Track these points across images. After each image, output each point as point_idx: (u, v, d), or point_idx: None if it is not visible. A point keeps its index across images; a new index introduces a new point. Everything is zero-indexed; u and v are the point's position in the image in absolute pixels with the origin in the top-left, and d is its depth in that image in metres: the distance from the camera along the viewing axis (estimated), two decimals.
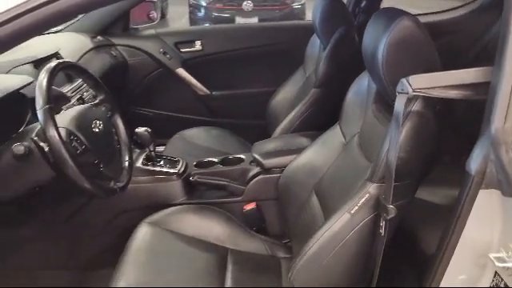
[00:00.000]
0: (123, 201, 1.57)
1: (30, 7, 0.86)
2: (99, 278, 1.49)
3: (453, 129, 1.65)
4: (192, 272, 1.30)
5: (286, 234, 1.59)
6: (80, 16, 2.34)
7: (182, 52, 2.55)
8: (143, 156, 1.69)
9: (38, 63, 1.72)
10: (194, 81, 2.57)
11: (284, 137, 1.92)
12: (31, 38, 0.95)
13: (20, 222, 1.50)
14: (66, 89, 1.66)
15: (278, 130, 1.96)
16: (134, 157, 1.62)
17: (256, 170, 1.70)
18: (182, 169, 1.68)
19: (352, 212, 1.03)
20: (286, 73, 2.31)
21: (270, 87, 2.36)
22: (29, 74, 1.49)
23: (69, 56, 1.94)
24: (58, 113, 1.29)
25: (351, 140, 1.30)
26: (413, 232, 1.41)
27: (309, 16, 3.57)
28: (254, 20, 5.80)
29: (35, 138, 1.15)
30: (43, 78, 1.15)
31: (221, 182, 1.72)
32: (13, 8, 0.87)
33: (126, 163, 1.44)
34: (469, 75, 0.87)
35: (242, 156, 1.82)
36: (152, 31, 2.58)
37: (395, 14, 1.02)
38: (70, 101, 1.58)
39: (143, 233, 1.40)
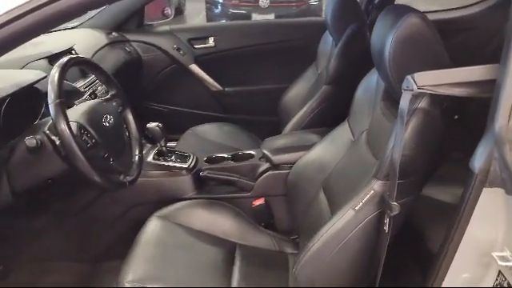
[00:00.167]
0: (134, 195, 1.60)
1: (31, 7, 0.88)
2: (109, 270, 1.52)
3: (463, 125, 1.62)
4: (200, 266, 1.31)
5: (294, 230, 1.59)
6: (95, 12, 2.38)
7: (195, 48, 2.56)
8: (154, 151, 1.70)
9: (53, 58, 1.75)
10: (206, 77, 2.58)
11: (294, 133, 1.92)
12: (34, 38, 0.96)
13: (33, 214, 1.53)
14: (79, 84, 1.70)
15: (289, 126, 1.96)
16: (145, 151, 1.64)
17: (265, 165, 1.70)
18: (192, 164, 1.69)
19: (356, 208, 1.03)
20: (298, 69, 2.30)
21: (282, 84, 2.36)
22: (43, 69, 1.52)
23: (83, 52, 1.97)
24: (70, 107, 1.31)
25: (359, 137, 1.30)
26: (420, 230, 1.40)
27: None
28: (271, 16, 5.78)
29: (47, 132, 1.17)
30: (55, 72, 1.17)
31: (230, 178, 1.73)
32: (14, 8, 0.88)
33: (136, 157, 1.45)
34: (474, 73, 0.86)
35: (252, 152, 1.82)
36: (166, 27, 2.60)
37: (403, 10, 1.01)
38: (82, 95, 1.62)
39: (152, 226, 1.43)
